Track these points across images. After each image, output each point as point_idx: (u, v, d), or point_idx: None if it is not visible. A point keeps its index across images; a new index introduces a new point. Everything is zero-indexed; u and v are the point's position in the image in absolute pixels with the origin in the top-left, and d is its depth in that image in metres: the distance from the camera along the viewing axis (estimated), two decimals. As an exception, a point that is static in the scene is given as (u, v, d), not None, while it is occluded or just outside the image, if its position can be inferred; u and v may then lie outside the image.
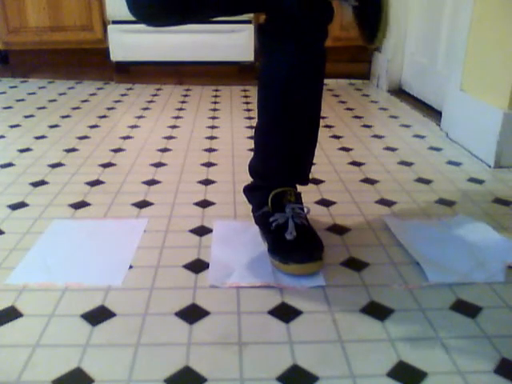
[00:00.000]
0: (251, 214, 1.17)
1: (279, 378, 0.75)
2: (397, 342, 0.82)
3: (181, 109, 2.26)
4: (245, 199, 1.21)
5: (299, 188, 1.15)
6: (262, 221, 1.11)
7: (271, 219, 1.06)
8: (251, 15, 2.52)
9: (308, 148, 1.12)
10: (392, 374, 0.75)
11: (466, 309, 0.90)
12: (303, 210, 1.09)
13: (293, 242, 1.01)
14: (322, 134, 1.90)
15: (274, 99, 1.05)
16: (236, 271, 1.01)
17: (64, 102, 2.35)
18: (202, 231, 1.18)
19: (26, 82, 2.76)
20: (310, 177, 1.49)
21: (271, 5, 0.97)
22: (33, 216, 1.24)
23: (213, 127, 1.98)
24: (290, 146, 1.07)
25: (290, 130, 1.06)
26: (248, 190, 1.20)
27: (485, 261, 1.04)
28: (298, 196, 1.11)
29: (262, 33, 1.04)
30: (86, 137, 1.86)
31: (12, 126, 1.98)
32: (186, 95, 2.53)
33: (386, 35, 1.06)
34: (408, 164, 1.61)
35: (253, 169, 1.17)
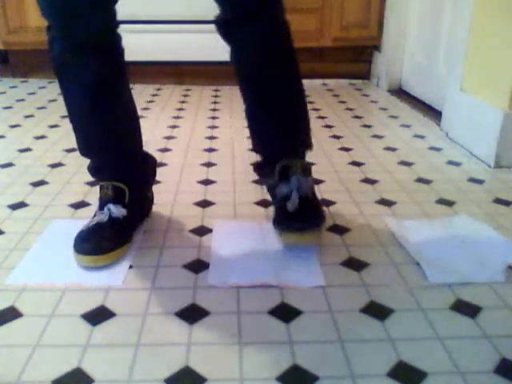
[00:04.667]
0: (252, 212, 1.18)
1: (279, 378, 0.75)
2: (397, 342, 0.82)
3: (181, 109, 2.26)
4: (245, 199, 1.22)
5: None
6: (271, 193, 1.15)
7: (276, 189, 1.10)
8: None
9: (300, 113, 1.14)
10: (392, 374, 0.75)
11: (466, 309, 0.90)
12: (309, 182, 1.10)
13: (293, 212, 1.04)
14: (322, 134, 1.90)
15: (254, 80, 1.09)
16: (236, 271, 1.01)
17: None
18: (201, 231, 1.18)
19: (26, 81, 2.76)
20: (310, 177, 1.49)
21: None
22: (33, 216, 1.24)
23: (213, 127, 1.98)
24: (282, 116, 1.11)
25: (277, 102, 1.09)
26: (258, 167, 1.23)
27: (485, 261, 1.04)
28: (307, 169, 1.13)
29: (222, 26, 1.06)
30: (85, 137, 1.86)
31: (12, 126, 1.97)
32: (185, 95, 2.53)
33: None
34: (408, 164, 1.60)
35: (256, 148, 1.20)
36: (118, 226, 1.07)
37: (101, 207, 1.08)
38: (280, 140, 1.13)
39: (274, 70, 1.07)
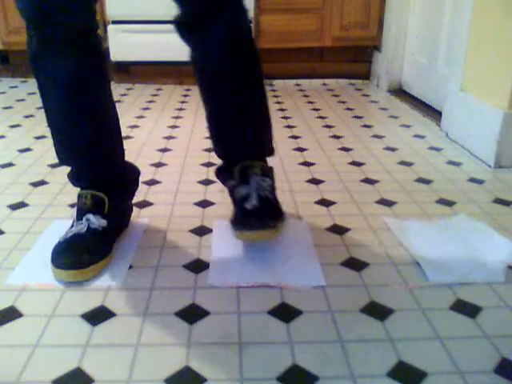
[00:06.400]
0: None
1: (279, 378, 0.75)
2: (397, 342, 0.82)
3: (181, 109, 2.26)
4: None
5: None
6: (231, 195, 1.13)
7: (236, 191, 1.08)
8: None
9: (261, 117, 1.13)
10: (392, 374, 0.75)
11: (466, 309, 0.90)
12: (269, 183, 1.09)
13: (251, 211, 1.02)
14: (322, 134, 1.90)
15: (214, 83, 1.07)
16: (236, 271, 1.01)
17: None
18: (201, 231, 1.18)
19: (25, 82, 2.76)
20: (310, 176, 1.49)
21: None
22: (33, 216, 1.24)
23: (213, 127, 1.98)
24: (241, 122, 1.10)
25: (237, 105, 1.08)
26: (219, 172, 1.22)
27: (485, 261, 1.04)
28: (268, 170, 1.12)
29: (183, 28, 1.03)
30: (86, 137, 1.86)
31: (12, 126, 1.98)
32: (185, 95, 2.53)
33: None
34: (408, 164, 1.60)
35: (217, 152, 1.18)
36: (97, 237, 1.02)
37: (79, 217, 1.05)
38: (241, 144, 1.13)
39: (235, 72, 1.05)
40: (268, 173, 1.12)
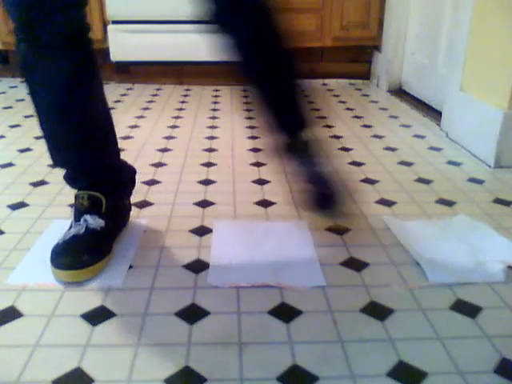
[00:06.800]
0: (252, 212, 1.17)
1: (279, 378, 0.75)
2: (397, 342, 0.82)
3: (181, 109, 2.26)
4: (245, 199, 1.22)
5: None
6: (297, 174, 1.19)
7: (303, 170, 1.15)
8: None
9: (291, 98, 1.15)
10: (392, 374, 0.75)
11: (466, 309, 0.90)
12: (318, 158, 1.15)
13: (316, 193, 1.13)
14: (323, 134, 1.90)
15: (253, 67, 1.10)
16: (236, 271, 1.01)
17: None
18: (201, 231, 1.18)
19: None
20: (310, 177, 1.49)
21: None
22: (33, 216, 1.24)
23: (213, 127, 1.98)
24: (276, 100, 1.12)
25: (270, 88, 1.11)
26: (280, 150, 1.22)
27: (485, 261, 1.04)
28: (314, 144, 1.17)
29: (214, 19, 1.06)
30: (85, 137, 1.86)
31: (12, 126, 1.98)
32: (186, 95, 2.53)
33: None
34: (408, 164, 1.60)
35: (276, 128, 1.19)
36: (96, 237, 1.02)
37: (77, 218, 1.05)
38: (287, 119, 1.15)
39: (274, 50, 1.10)
40: (315, 148, 1.16)
